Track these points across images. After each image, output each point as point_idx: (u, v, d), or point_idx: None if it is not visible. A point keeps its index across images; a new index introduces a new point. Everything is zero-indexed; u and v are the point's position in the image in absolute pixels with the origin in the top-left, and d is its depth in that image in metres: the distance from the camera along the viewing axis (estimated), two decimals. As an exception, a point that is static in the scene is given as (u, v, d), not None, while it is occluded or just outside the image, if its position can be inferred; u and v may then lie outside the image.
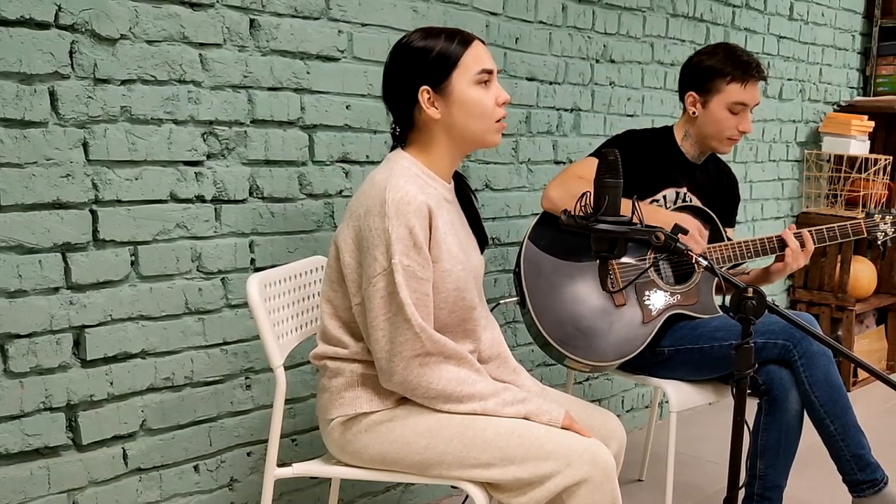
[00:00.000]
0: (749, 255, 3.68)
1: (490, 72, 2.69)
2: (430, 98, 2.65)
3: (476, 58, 2.67)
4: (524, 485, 2.55)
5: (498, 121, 2.73)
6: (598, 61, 4.62)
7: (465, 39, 2.68)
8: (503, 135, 4.03)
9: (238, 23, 3.14)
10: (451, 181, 2.82)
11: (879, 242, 3.79)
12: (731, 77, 3.63)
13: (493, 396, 2.64)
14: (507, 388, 2.70)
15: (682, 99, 3.79)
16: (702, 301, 3.67)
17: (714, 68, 3.66)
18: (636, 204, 2.51)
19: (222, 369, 3.27)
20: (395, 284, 2.51)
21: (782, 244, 3.66)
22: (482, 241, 2.96)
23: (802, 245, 3.65)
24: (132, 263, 2.98)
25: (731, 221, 4.01)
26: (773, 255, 3.71)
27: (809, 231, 3.68)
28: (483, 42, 2.73)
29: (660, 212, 3.61)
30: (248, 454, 3.40)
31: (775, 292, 6.34)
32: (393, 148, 2.80)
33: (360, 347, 2.69)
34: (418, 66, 2.65)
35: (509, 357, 2.99)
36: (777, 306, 2.36)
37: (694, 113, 3.72)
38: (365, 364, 2.69)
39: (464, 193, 2.93)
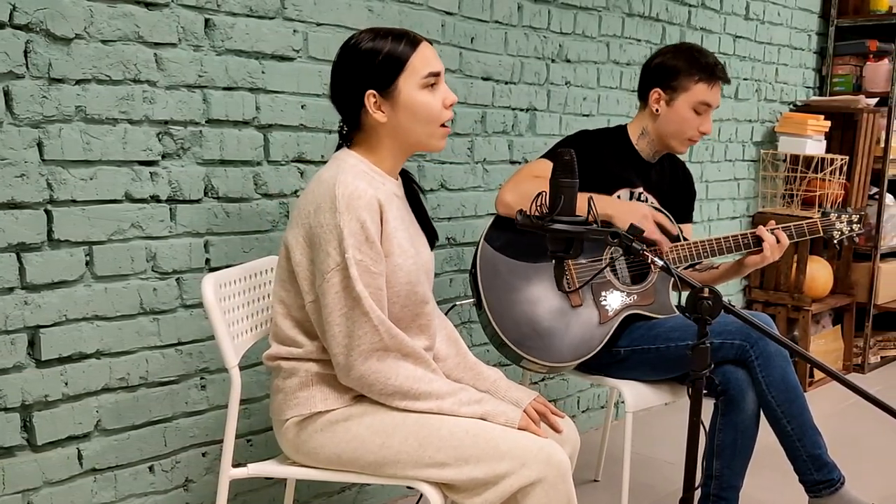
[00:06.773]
0: (721, 251, 3.67)
1: (437, 74, 2.69)
2: (376, 102, 2.65)
3: (423, 60, 2.65)
4: (479, 485, 2.55)
5: (443, 125, 2.73)
6: (553, 61, 4.62)
7: (413, 41, 2.66)
8: (459, 134, 4.06)
9: (193, 22, 3.13)
10: (398, 178, 2.82)
11: (836, 241, 3.81)
12: (699, 77, 3.65)
13: (450, 396, 2.65)
14: (463, 388, 2.70)
15: (642, 97, 3.79)
16: (658, 301, 3.68)
17: (682, 67, 3.66)
18: (592, 203, 2.51)
19: (177, 369, 3.26)
20: (350, 279, 2.51)
21: (757, 240, 3.66)
22: (431, 237, 2.96)
23: (777, 240, 3.67)
24: (87, 263, 2.96)
25: (688, 216, 4.03)
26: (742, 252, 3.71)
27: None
28: (430, 43, 2.72)
29: (613, 200, 3.60)
30: (203, 454, 3.39)
31: (731, 292, 6.37)
32: (339, 147, 2.80)
33: (315, 346, 2.69)
34: (365, 70, 2.64)
35: (467, 353, 3.01)
36: (733, 306, 2.37)
37: (657, 110, 3.71)
38: (320, 363, 2.69)
39: (411, 189, 2.92)
